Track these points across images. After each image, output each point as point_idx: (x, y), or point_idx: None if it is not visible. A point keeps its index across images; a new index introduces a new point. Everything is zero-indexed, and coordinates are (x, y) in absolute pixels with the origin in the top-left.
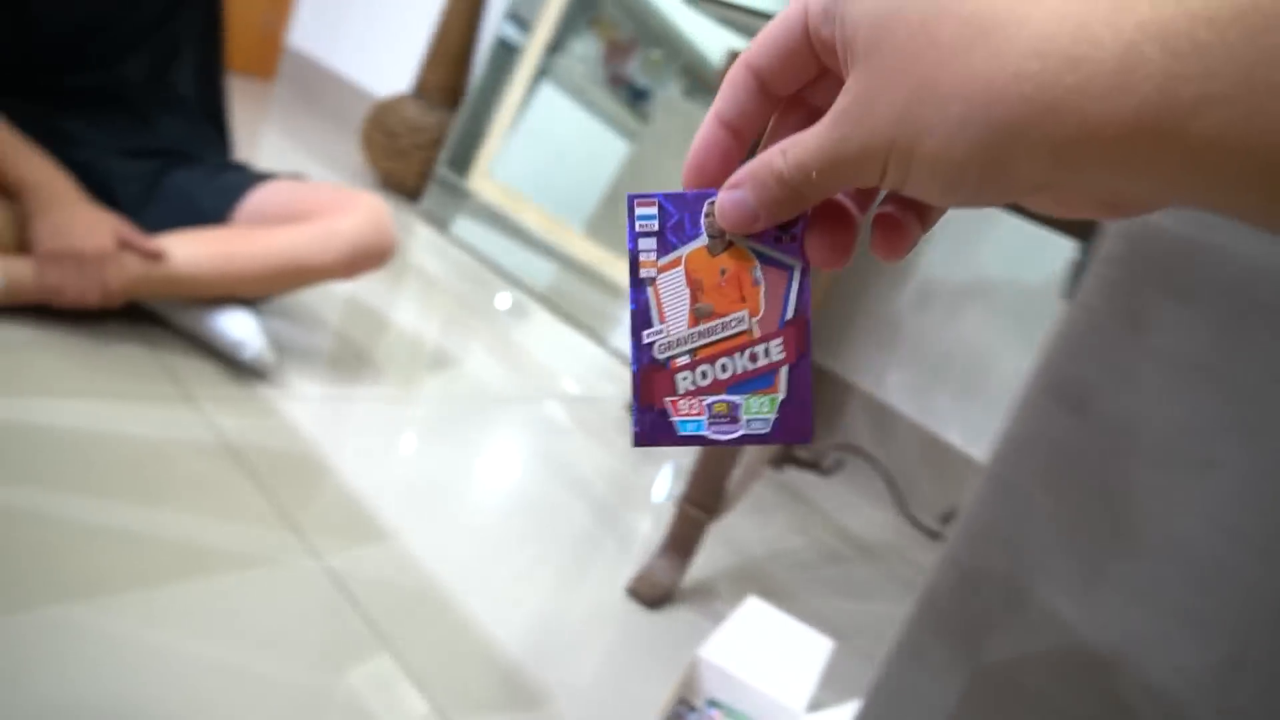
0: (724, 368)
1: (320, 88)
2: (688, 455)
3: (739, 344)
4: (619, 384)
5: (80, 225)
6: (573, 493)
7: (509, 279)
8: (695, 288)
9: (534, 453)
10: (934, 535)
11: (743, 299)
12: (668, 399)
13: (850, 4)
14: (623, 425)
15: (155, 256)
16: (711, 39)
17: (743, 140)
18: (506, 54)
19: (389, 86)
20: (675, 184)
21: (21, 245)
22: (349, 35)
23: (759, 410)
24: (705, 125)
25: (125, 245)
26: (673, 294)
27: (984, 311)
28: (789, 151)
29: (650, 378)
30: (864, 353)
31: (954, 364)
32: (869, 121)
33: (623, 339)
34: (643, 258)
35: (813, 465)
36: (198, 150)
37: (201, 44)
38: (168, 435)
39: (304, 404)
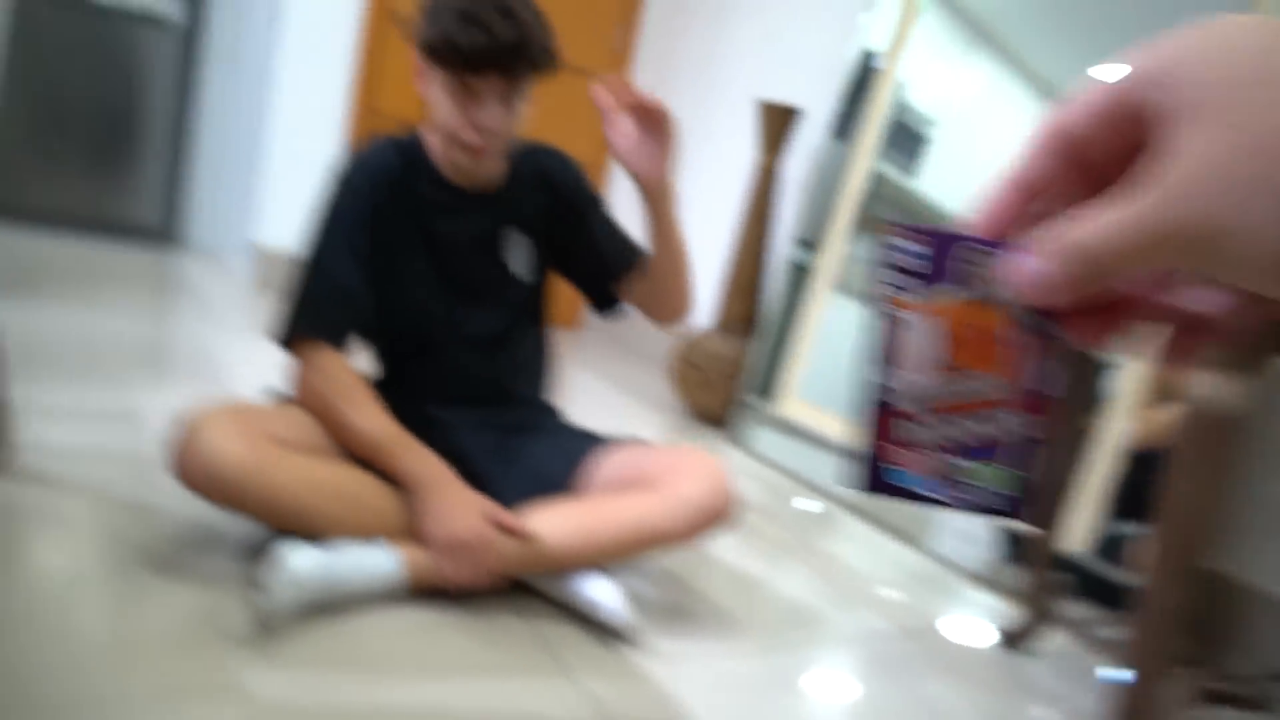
0: (960, 428)
1: (625, 330)
2: (1090, 706)
3: (980, 406)
4: (956, 601)
5: (460, 514)
6: None
7: (818, 491)
8: (945, 339)
9: (911, 700)
10: None
11: (993, 361)
12: (895, 448)
13: (1187, 64)
14: (978, 657)
15: (526, 538)
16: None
17: (1042, 207)
18: (799, 275)
19: (690, 322)
20: None
21: (411, 529)
22: None
23: (986, 480)
24: (1002, 186)
25: (499, 528)
26: (921, 339)
27: None
28: (1100, 224)
29: (881, 421)
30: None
31: None
32: (1198, 190)
33: (944, 541)
34: (896, 294)
35: (1248, 702)
36: (541, 418)
37: (539, 327)
38: (551, 711)
39: (666, 664)
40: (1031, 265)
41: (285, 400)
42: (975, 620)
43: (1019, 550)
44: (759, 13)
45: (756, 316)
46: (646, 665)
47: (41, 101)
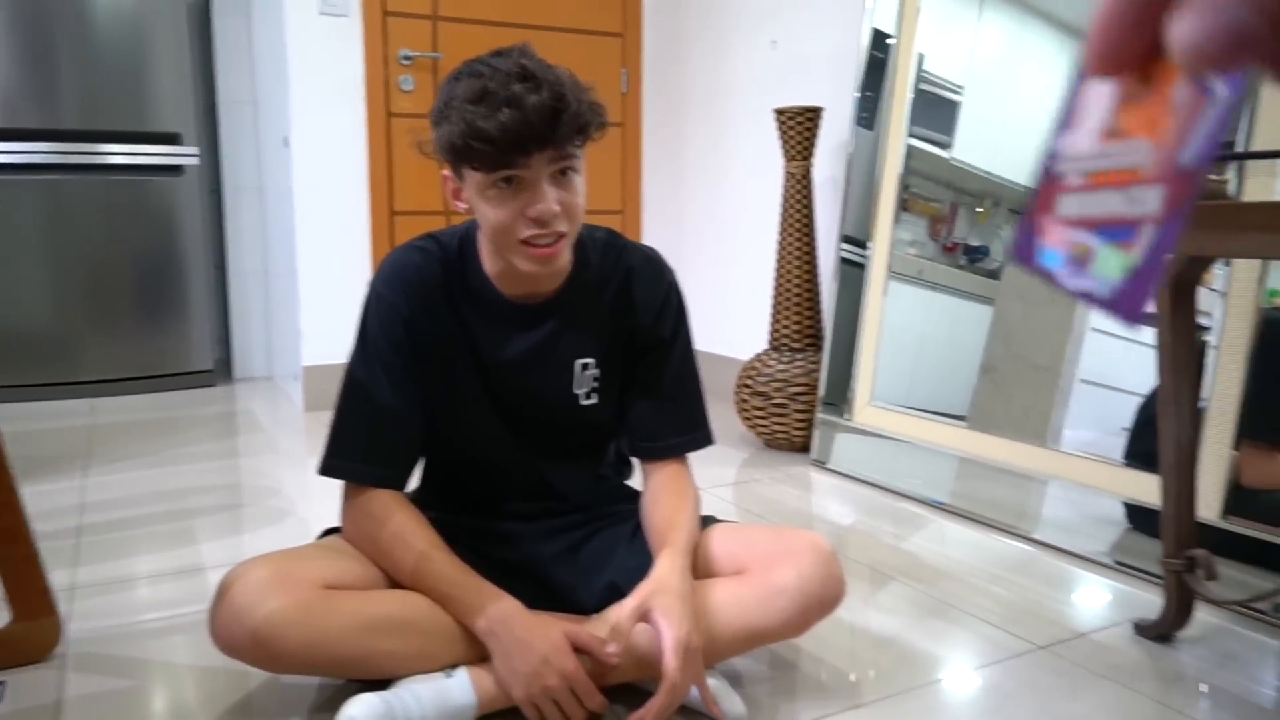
0: (1101, 202)
1: None
2: None
3: (1125, 179)
4: (1080, 594)
5: (537, 659)
6: None
7: (911, 498)
8: (1121, 97)
9: None
10: None
11: (1153, 124)
12: (1045, 219)
13: None
14: (1119, 657)
15: (610, 661)
16: (1017, 169)
17: None
18: (853, 275)
19: (747, 349)
20: (1045, 329)
21: (474, 650)
22: (699, 314)
23: (1106, 266)
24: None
25: (581, 651)
26: (1097, 99)
27: None
28: None
29: (1044, 189)
30: None
31: None
32: None
33: (1050, 531)
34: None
35: None
36: (615, 512)
37: (611, 440)
38: None
39: None
40: (1188, 25)
41: (335, 534)
42: (1106, 613)
43: (1144, 521)
44: (760, 20)
45: (816, 328)
46: None
47: (84, 271)
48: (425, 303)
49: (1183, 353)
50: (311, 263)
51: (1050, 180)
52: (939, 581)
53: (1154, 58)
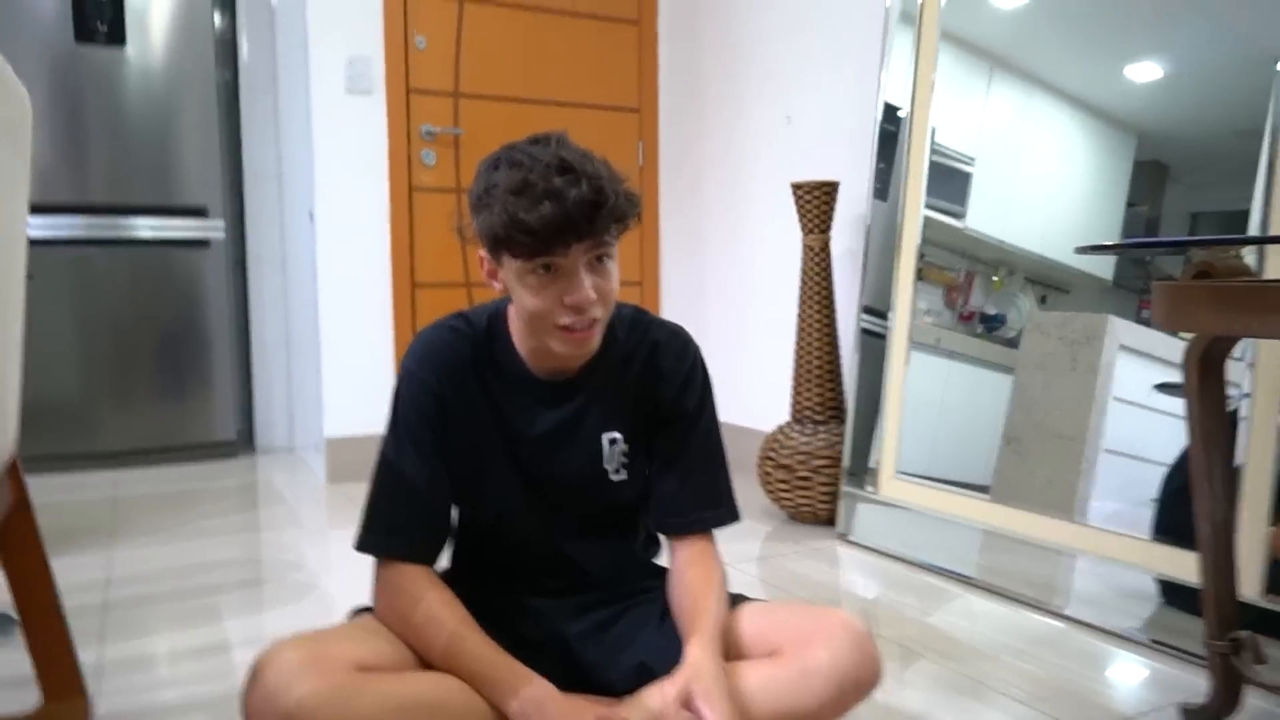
0: None
1: None
2: None
3: None
4: (1117, 676)
5: None
6: None
7: (937, 571)
8: None
9: None
10: None
11: None
12: None
13: None
14: None
15: None
16: (1030, 238)
17: None
18: (874, 345)
19: (769, 420)
20: (1067, 398)
21: None
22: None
23: None
24: None
25: None
26: None
27: None
28: None
29: None
30: None
31: None
32: None
33: (1080, 606)
34: None
35: None
36: (644, 589)
37: (641, 516)
38: None
39: None
40: None
41: (367, 613)
42: (1145, 694)
43: (1178, 597)
44: (775, 95)
45: (838, 400)
46: None
47: (109, 342)
48: (455, 380)
49: (1212, 428)
50: (334, 334)
51: None
52: (968, 658)
53: None
